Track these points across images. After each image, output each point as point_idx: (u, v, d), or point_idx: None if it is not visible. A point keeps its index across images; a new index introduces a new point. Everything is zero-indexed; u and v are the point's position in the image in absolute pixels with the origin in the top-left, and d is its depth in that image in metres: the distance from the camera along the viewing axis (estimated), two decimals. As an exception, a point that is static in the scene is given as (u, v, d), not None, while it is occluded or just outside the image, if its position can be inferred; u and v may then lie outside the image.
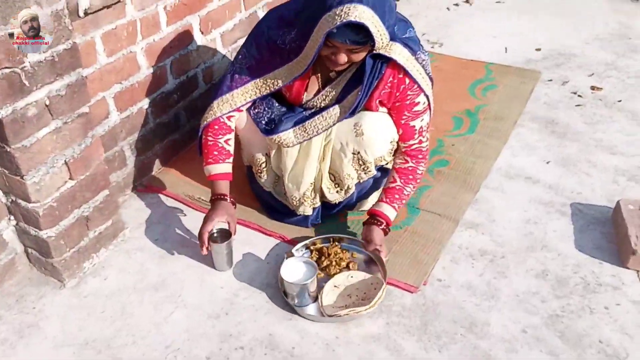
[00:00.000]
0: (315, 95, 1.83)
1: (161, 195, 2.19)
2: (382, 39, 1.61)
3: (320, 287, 1.76)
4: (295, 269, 1.76)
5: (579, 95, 2.82)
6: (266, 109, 1.89)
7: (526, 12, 3.63)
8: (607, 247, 1.98)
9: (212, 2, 2.23)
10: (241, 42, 2.48)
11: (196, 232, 1.85)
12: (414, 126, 1.86)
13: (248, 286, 1.83)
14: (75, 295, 1.81)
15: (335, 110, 1.80)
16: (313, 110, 1.85)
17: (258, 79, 1.80)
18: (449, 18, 3.62)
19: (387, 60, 1.71)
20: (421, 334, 1.68)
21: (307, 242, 1.90)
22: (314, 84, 1.83)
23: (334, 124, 1.82)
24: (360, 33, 1.56)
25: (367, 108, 1.82)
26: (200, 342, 1.66)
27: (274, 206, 2.06)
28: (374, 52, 1.67)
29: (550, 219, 2.10)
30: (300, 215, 2.00)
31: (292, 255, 1.83)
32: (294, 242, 1.95)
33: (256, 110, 1.90)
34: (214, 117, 1.85)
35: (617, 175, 2.31)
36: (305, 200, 1.95)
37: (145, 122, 2.11)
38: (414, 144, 1.88)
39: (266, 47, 1.76)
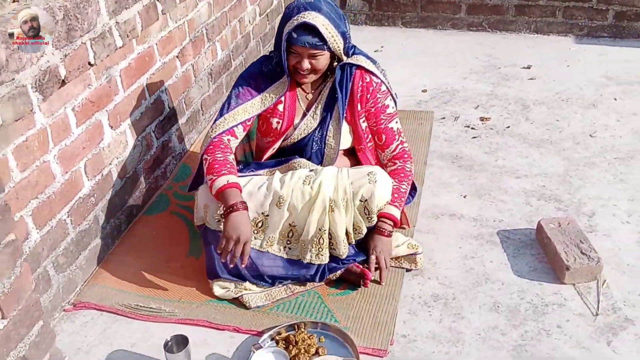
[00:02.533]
0: (302, 118, 2.05)
1: (93, 311, 2.01)
2: (335, 42, 1.89)
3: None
4: (265, 360, 1.69)
5: (472, 128, 3.04)
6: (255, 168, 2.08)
7: (403, 57, 3.86)
8: (541, 267, 2.12)
9: (117, 95, 2.14)
10: (150, 128, 2.41)
11: (142, 345, 1.77)
12: (392, 128, 2.10)
13: (217, 388, 1.73)
14: None
15: (329, 128, 2.05)
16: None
17: (249, 101, 2.00)
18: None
19: (354, 67, 2.01)
20: (404, 396, 1.68)
21: (271, 332, 1.84)
22: (300, 110, 2.06)
23: (337, 144, 2.05)
24: (315, 36, 1.85)
25: (354, 129, 2.07)
26: None
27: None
28: (342, 62, 1.99)
29: (484, 250, 2.22)
30: (311, 264, 1.97)
31: (260, 346, 1.75)
32: (250, 332, 1.88)
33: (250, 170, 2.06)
34: (210, 138, 1.96)
35: (528, 197, 2.50)
36: (318, 248, 1.96)
37: (66, 233, 1.95)
38: (397, 145, 2.10)
39: (254, 77, 2.03)
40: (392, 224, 2.02)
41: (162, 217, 2.42)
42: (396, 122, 2.11)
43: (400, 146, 2.12)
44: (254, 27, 3.51)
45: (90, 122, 2.01)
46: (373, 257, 1.98)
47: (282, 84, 2.01)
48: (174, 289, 2.05)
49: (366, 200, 1.94)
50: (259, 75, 2.03)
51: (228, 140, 1.99)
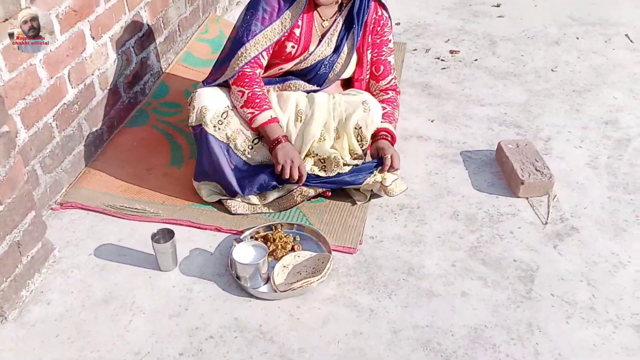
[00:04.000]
0: (317, 45, 2.10)
1: (80, 211, 2.12)
2: None
3: (270, 270, 1.85)
4: (246, 253, 1.84)
5: (442, 60, 3.16)
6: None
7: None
8: (499, 183, 2.30)
9: (99, 7, 2.18)
10: (129, 43, 2.45)
11: (129, 240, 1.90)
12: (390, 62, 2.23)
13: (200, 279, 1.87)
14: (21, 327, 1.72)
15: (342, 56, 2.13)
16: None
17: (269, 26, 2.01)
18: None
19: None
20: (371, 287, 1.85)
21: (250, 231, 1.98)
22: (316, 36, 2.10)
23: (342, 71, 2.14)
24: None
25: (360, 58, 2.16)
26: (170, 342, 1.68)
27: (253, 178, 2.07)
28: None
29: (447, 168, 2.38)
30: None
31: (241, 240, 1.90)
32: (231, 231, 2.02)
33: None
34: (239, 67, 2.02)
35: (490, 122, 2.66)
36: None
37: (52, 137, 2.03)
38: (392, 79, 2.24)
39: None
40: (390, 137, 2.14)
41: (143, 130, 2.50)
42: (393, 57, 2.25)
43: (393, 80, 2.26)
44: (231, -47, 3.51)
45: (73, 30, 2.06)
46: (388, 156, 2.04)
47: (299, 2, 2.03)
48: (157, 194, 2.17)
49: (360, 127, 2.07)
50: None
51: (259, 73, 2.07)
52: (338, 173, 2.05)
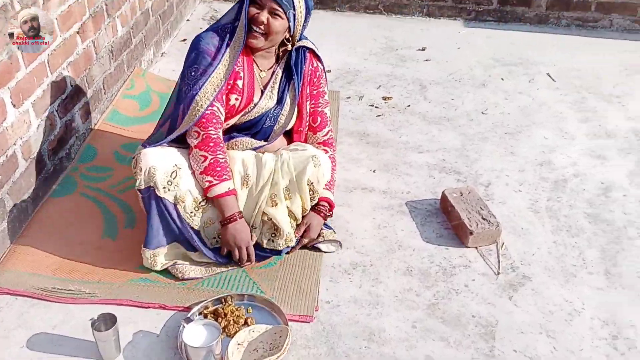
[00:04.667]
0: (261, 96, 2.07)
1: (7, 297, 1.90)
2: (300, 12, 1.95)
3: (224, 350, 1.73)
4: (197, 333, 1.70)
5: (376, 107, 3.17)
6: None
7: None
8: (447, 234, 2.29)
9: (19, 71, 2.01)
10: (52, 107, 2.29)
11: (65, 327, 1.76)
12: (327, 114, 2.21)
13: (147, 366, 1.72)
14: None
15: (285, 107, 2.10)
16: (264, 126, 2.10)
17: (214, 72, 1.94)
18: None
19: (307, 50, 2.10)
20: (332, 359, 1.76)
21: (199, 307, 1.85)
22: (258, 88, 2.07)
23: (286, 123, 2.11)
24: None
25: (300, 109, 2.13)
26: None
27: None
28: (294, 44, 2.05)
29: (395, 220, 2.35)
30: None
31: (190, 320, 1.76)
32: (177, 308, 1.88)
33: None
34: (189, 125, 1.94)
35: (431, 170, 2.67)
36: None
37: (-30, 218, 1.83)
38: (328, 131, 2.21)
39: (211, 37, 1.98)
40: (329, 207, 2.14)
41: (71, 200, 2.32)
42: (329, 109, 2.23)
43: (330, 132, 2.23)
44: (153, 3, 3.40)
45: (-8, 99, 1.89)
46: (304, 227, 2.07)
47: (237, 41, 1.97)
48: (92, 271, 2.00)
49: (312, 183, 2.03)
50: (214, 37, 1.98)
51: (221, 135, 1.99)
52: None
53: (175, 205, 1.94)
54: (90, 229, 2.19)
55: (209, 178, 1.93)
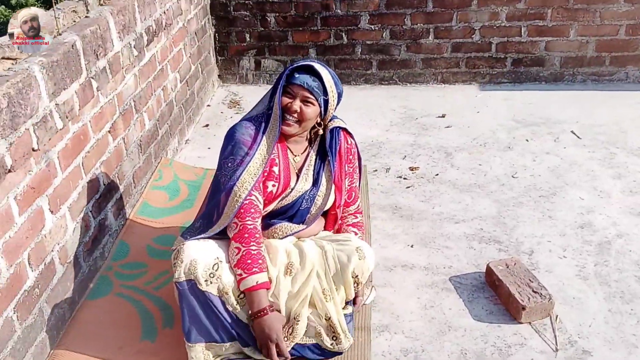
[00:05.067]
0: (297, 180, 2.06)
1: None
2: (332, 97, 1.98)
3: None
4: None
5: (404, 178, 3.15)
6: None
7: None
8: (497, 310, 2.20)
9: (56, 177, 2.02)
10: (87, 208, 2.28)
11: None
12: (358, 187, 2.25)
13: None
14: None
15: (321, 189, 2.08)
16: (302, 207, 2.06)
17: (251, 162, 1.94)
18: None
19: (340, 129, 2.12)
20: None
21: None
22: (293, 172, 2.07)
23: (323, 204, 2.08)
24: (316, 80, 1.94)
25: (338, 188, 2.12)
26: None
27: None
28: (326, 126, 2.08)
29: (441, 298, 2.28)
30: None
31: None
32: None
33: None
34: (230, 218, 1.91)
35: (470, 241, 2.61)
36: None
37: (12, 331, 1.78)
38: (359, 204, 2.24)
39: (243, 132, 1.98)
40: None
41: (107, 301, 2.26)
42: (359, 181, 2.28)
43: (359, 204, 2.24)
44: (176, 94, 3.47)
45: (32, 209, 1.88)
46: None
47: (272, 130, 1.99)
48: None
49: (357, 276, 1.97)
50: (250, 123, 2.01)
51: (259, 224, 1.96)
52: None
53: (220, 297, 1.88)
54: (127, 331, 2.13)
55: (239, 271, 1.88)
